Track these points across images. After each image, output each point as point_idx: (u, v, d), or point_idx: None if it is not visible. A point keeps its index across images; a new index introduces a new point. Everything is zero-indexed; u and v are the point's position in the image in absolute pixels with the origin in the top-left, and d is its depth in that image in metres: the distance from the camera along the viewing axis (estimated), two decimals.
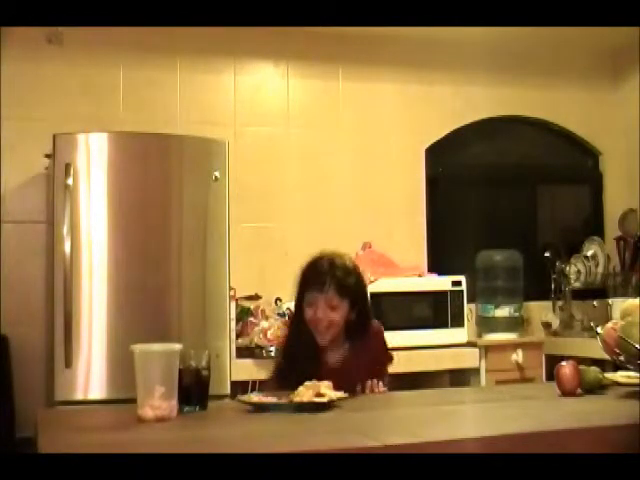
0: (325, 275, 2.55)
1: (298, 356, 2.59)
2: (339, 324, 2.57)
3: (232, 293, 3.84)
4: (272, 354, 3.82)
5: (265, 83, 4.65)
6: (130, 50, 4.36)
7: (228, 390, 3.57)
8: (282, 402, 2.21)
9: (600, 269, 4.88)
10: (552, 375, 2.48)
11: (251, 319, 4.15)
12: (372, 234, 4.63)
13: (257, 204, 4.50)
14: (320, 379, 2.29)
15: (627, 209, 4.98)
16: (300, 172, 4.61)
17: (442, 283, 4.43)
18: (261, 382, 2.70)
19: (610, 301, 4.59)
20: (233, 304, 3.88)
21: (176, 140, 3.88)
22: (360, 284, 2.65)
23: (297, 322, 2.64)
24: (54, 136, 3.61)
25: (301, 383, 2.27)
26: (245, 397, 2.28)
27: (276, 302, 4.26)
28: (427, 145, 4.92)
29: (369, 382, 2.62)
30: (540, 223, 5.31)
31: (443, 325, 4.36)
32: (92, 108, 4.23)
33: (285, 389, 2.38)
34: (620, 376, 2.57)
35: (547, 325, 4.84)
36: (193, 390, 2.24)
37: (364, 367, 2.63)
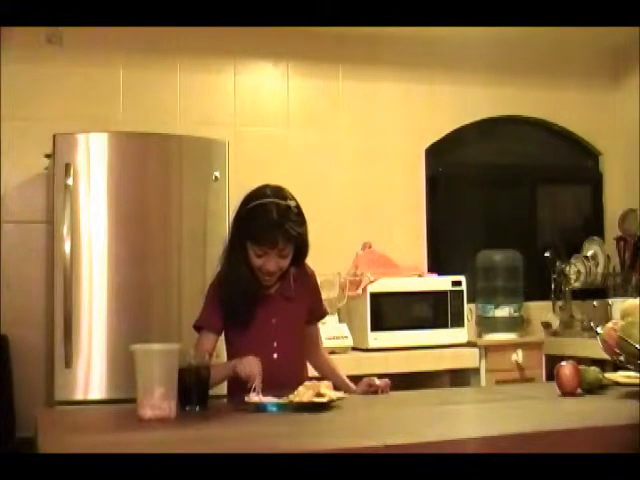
0: (277, 230, 2.42)
1: (239, 295, 2.50)
2: (286, 266, 2.53)
3: None
4: None
5: (265, 83, 4.65)
6: (130, 50, 4.36)
7: None
8: (282, 402, 2.21)
9: (600, 269, 4.88)
10: (552, 375, 2.48)
11: None
12: (372, 234, 4.63)
13: None
14: (259, 308, 2.47)
15: (627, 209, 4.98)
16: (300, 172, 4.60)
17: (442, 283, 4.43)
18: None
19: (610, 301, 4.59)
20: None
21: (176, 140, 3.88)
22: (305, 227, 2.54)
23: (239, 263, 2.49)
24: (54, 136, 3.61)
25: (238, 314, 2.46)
26: (245, 397, 2.27)
27: None
28: (427, 145, 4.92)
29: (369, 379, 2.62)
30: (540, 223, 5.31)
31: (443, 325, 4.36)
32: (92, 108, 4.23)
33: (219, 323, 2.52)
34: (620, 376, 2.58)
35: (547, 325, 4.84)
36: (193, 390, 2.24)
37: (304, 302, 2.63)
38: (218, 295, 2.56)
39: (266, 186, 2.54)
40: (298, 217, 2.50)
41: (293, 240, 2.48)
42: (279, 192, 2.51)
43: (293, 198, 2.52)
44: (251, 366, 2.34)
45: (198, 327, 2.57)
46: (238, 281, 2.51)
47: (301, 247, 2.55)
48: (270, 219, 2.44)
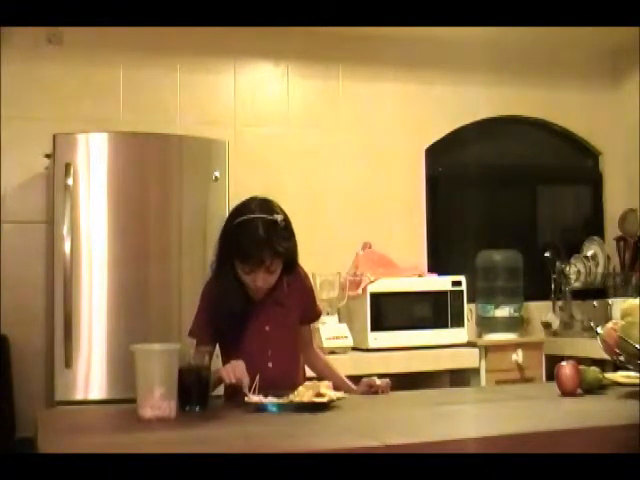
0: (264, 247, 2.38)
1: (226, 311, 2.48)
2: (275, 280, 2.49)
3: None
4: None
5: (265, 83, 4.65)
6: (130, 50, 4.36)
7: None
8: (282, 402, 2.21)
9: (600, 269, 4.88)
10: (552, 375, 2.48)
11: None
12: (372, 234, 4.63)
13: None
14: (251, 317, 2.46)
15: (627, 209, 4.98)
16: (300, 172, 4.61)
17: (442, 283, 4.43)
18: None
19: (610, 301, 4.59)
20: None
21: (176, 140, 3.88)
22: (294, 240, 2.49)
23: (226, 279, 2.48)
24: (54, 136, 3.61)
25: (227, 329, 2.46)
26: (245, 397, 2.27)
27: None
28: (427, 145, 4.92)
29: (370, 379, 2.62)
30: (540, 223, 5.31)
31: (443, 325, 4.36)
32: (92, 108, 4.23)
33: (210, 339, 2.50)
34: (620, 376, 2.58)
35: (547, 325, 4.84)
36: (193, 390, 2.24)
37: (297, 305, 2.60)
38: (208, 308, 2.55)
39: (252, 200, 2.50)
40: (285, 231, 2.45)
41: (280, 256, 2.44)
42: (265, 206, 2.47)
43: (281, 211, 2.48)
44: (234, 371, 2.32)
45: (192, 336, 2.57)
46: (225, 298, 2.48)
47: (290, 260, 2.51)
48: (256, 236, 2.39)
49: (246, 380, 2.28)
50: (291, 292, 2.58)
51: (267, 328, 2.54)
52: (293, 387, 2.30)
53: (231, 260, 2.46)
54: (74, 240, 3.55)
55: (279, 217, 2.45)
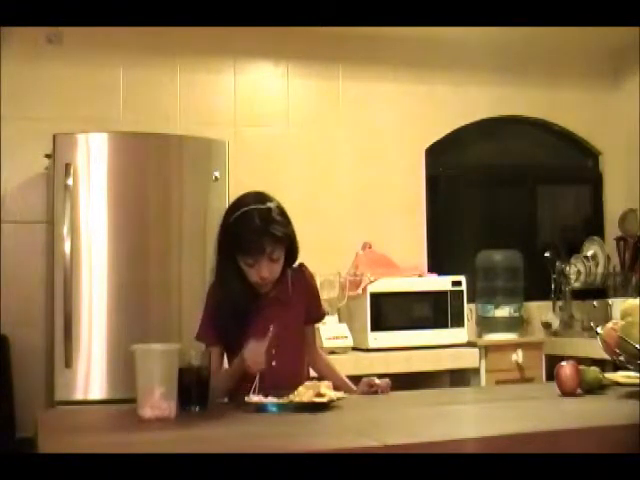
0: (263, 235, 2.40)
1: (231, 311, 2.49)
2: (279, 270, 2.51)
3: None
4: None
5: (265, 83, 4.65)
6: (130, 50, 4.36)
7: None
8: (282, 402, 2.21)
9: (600, 269, 4.88)
10: (552, 375, 2.48)
11: None
12: (372, 234, 4.63)
13: None
14: (256, 316, 2.46)
15: (627, 209, 4.98)
16: (300, 172, 4.61)
17: (442, 283, 4.43)
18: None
19: (610, 301, 4.59)
20: None
21: (176, 140, 3.88)
22: (291, 226, 2.52)
23: (230, 278, 2.49)
24: (54, 136, 3.61)
25: (233, 329, 2.45)
26: (245, 397, 2.27)
27: None
28: (427, 145, 4.92)
29: (370, 379, 2.62)
30: (540, 223, 5.31)
31: (443, 325, 4.36)
32: (92, 108, 4.23)
33: (219, 339, 2.50)
34: (620, 376, 2.57)
35: (547, 325, 4.85)
36: (193, 390, 2.24)
37: (302, 305, 2.61)
38: (213, 309, 2.56)
39: (245, 195, 2.53)
40: (281, 217, 2.48)
41: (281, 242, 2.46)
42: (258, 197, 2.50)
43: (273, 200, 2.50)
44: (257, 358, 2.35)
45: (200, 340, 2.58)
46: (230, 296, 2.49)
47: (291, 247, 2.53)
48: (253, 226, 2.42)
49: (256, 380, 2.30)
50: (296, 291, 2.59)
51: (271, 327, 2.54)
52: (296, 386, 2.29)
53: (233, 257, 2.47)
54: (74, 240, 3.55)
55: (272, 204, 2.47)
